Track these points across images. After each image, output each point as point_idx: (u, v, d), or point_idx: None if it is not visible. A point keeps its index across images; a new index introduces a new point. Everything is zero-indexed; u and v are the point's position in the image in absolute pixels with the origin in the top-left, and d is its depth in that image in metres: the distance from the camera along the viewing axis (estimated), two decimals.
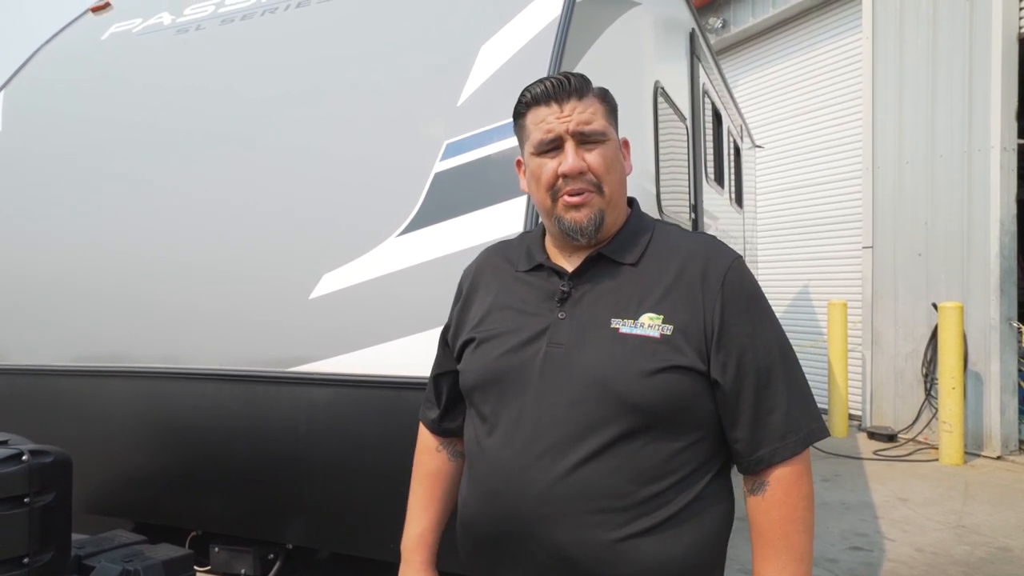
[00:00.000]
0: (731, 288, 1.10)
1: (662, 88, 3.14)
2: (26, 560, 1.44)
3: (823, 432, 1.12)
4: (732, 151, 5.60)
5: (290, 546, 1.97)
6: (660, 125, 3.10)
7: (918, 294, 6.11)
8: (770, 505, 1.08)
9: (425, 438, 1.33)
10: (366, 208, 1.94)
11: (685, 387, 1.06)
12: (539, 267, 1.18)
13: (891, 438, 6.09)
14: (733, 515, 1.15)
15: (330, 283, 1.88)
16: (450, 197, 1.84)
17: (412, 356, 1.73)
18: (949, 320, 5.41)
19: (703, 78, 4.31)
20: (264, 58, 2.46)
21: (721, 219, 4.76)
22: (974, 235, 5.67)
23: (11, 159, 2.70)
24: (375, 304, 1.82)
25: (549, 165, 1.13)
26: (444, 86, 2.05)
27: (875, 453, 5.77)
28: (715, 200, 4.56)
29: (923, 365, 6.05)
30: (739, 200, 5.83)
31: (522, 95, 1.17)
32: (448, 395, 1.30)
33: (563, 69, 2.01)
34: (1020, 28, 5.52)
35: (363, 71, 2.22)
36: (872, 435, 6.26)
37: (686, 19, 3.88)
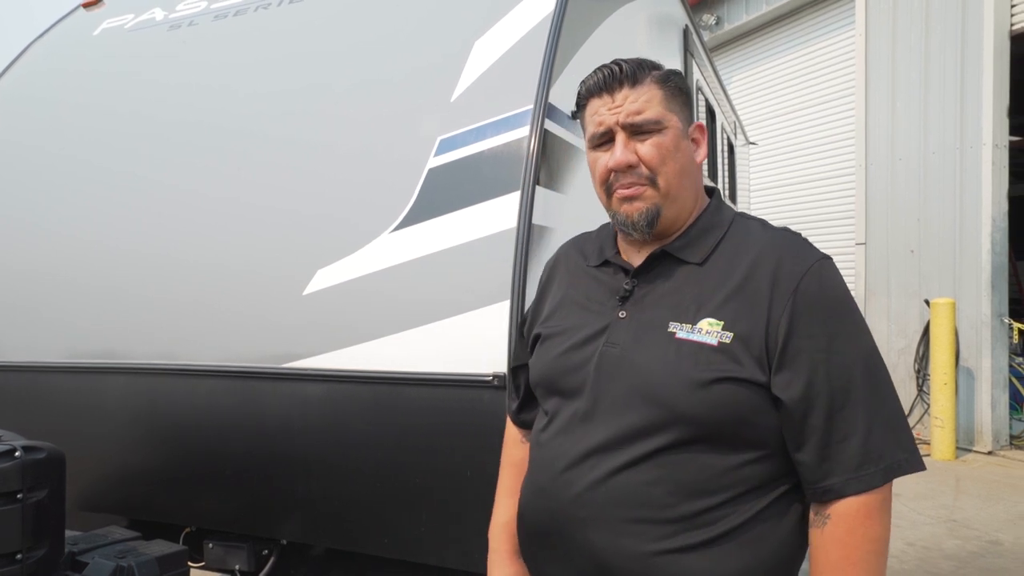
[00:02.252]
0: (806, 295, 0.99)
1: None
2: (19, 556, 1.44)
3: (913, 466, 0.99)
4: (726, 148, 5.61)
5: (284, 542, 1.97)
6: None
7: (911, 291, 6.15)
8: (830, 542, 0.97)
9: (510, 429, 1.32)
10: (360, 204, 1.94)
11: (741, 401, 0.98)
12: (607, 263, 1.14)
13: None
14: (805, 541, 1.04)
15: (324, 279, 1.88)
16: (443, 193, 1.85)
17: (406, 352, 1.74)
18: (941, 316, 5.44)
19: (697, 75, 4.31)
20: (256, 54, 2.45)
21: None
22: (966, 232, 5.70)
23: (3, 153, 2.68)
24: (369, 300, 1.82)
25: (602, 159, 1.08)
26: (437, 82, 2.05)
27: None
28: None
29: (915, 361, 6.09)
30: (732, 197, 5.85)
31: (579, 88, 1.12)
32: (525, 387, 1.27)
33: (556, 65, 2.01)
34: (1012, 25, 5.55)
35: (356, 67, 2.22)
36: None
37: (680, 16, 3.89)
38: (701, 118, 4.46)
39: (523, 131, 1.86)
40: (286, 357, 1.85)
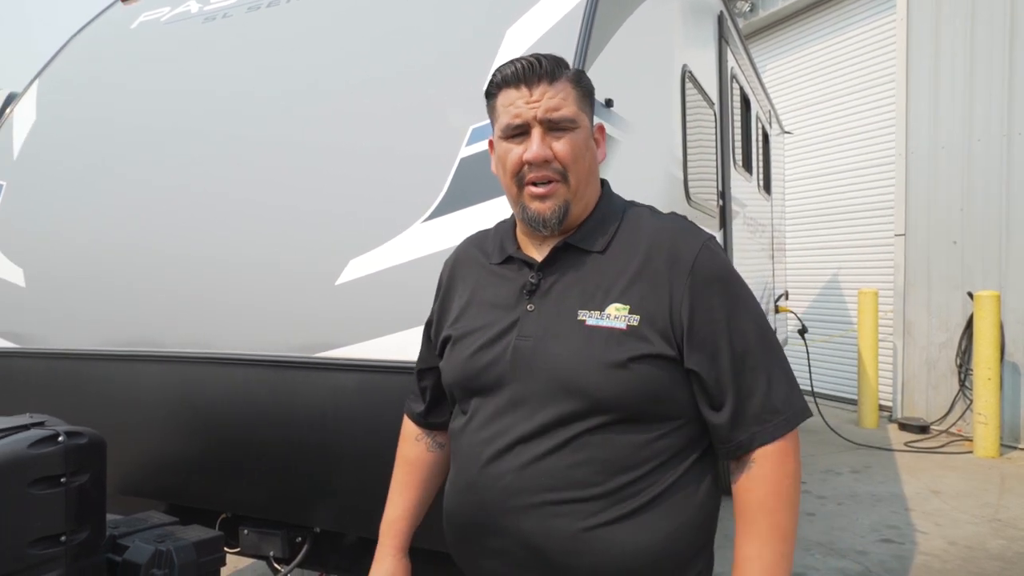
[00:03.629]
0: (701, 273, 1.08)
1: (690, 72, 3.09)
2: (63, 538, 1.47)
3: (805, 413, 1.11)
4: (760, 137, 5.50)
5: (318, 530, 1.99)
6: (688, 110, 3.04)
7: (953, 283, 5.97)
8: (754, 482, 1.07)
9: (407, 427, 1.37)
10: (392, 194, 1.94)
11: (655, 377, 1.05)
12: (510, 259, 1.17)
13: (923, 429, 5.97)
14: (718, 501, 1.14)
15: (356, 269, 1.88)
16: (476, 182, 1.83)
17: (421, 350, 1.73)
18: (985, 309, 5.27)
19: (731, 62, 4.23)
20: (291, 44, 2.46)
21: (749, 206, 4.69)
22: (1013, 222, 5.51)
23: (45, 147, 2.74)
24: (401, 290, 1.82)
25: (515, 151, 1.10)
26: (470, 71, 2.03)
27: (906, 444, 5.66)
28: (743, 187, 4.49)
29: (957, 355, 5.91)
30: (767, 187, 5.73)
31: (493, 75, 1.15)
32: (433, 391, 1.32)
33: (590, 53, 1.98)
34: None
35: (390, 56, 2.22)
36: (903, 426, 6.14)
37: (714, 2, 3.81)
38: (736, 107, 4.37)
39: None
40: (318, 347, 1.86)
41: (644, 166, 2.51)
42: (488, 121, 1.95)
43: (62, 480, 1.49)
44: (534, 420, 1.06)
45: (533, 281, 1.12)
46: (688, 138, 3.03)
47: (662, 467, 1.06)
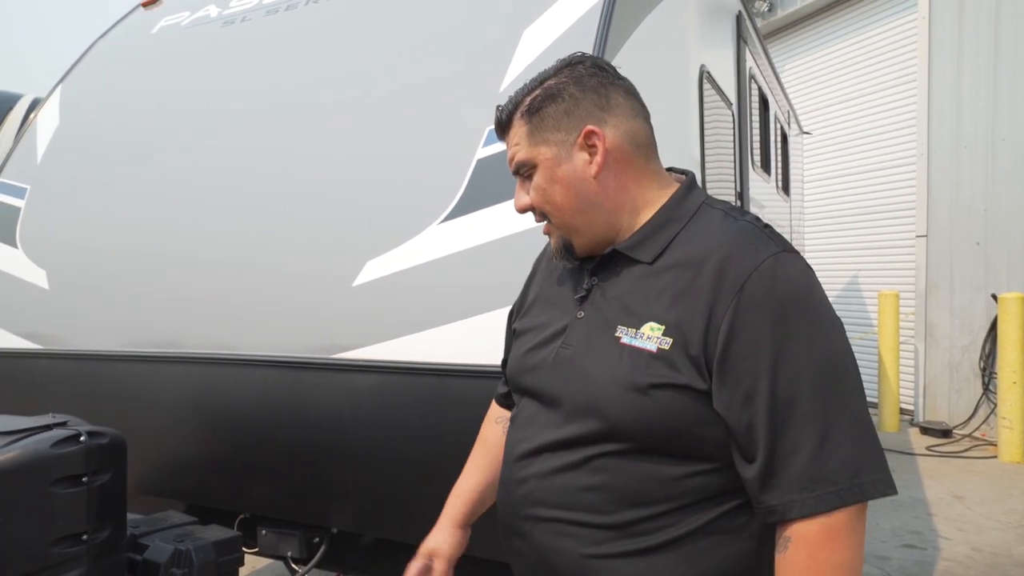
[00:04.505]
0: (752, 295, 0.90)
1: (708, 73, 3.06)
2: (85, 537, 1.49)
3: (879, 489, 0.89)
4: (779, 138, 5.45)
5: (335, 530, 1.99)
6: (705, 111, 3.02)
7: (976, 284, 5.87)
8: (790, 567, 0.89)
9: (491, 408, 1.34)
10: (408, 195, 1.94)
11: (679, 409, 0.92)
12: (580, 260, 1.10)
13: (946, 433, 5.88)
14: (758, 563, 0.96)
15: (373, 270, 1.89)
16: (493, 184, 1.83)
17: (456, 343, 1.73)
18: (1010, 312, 5.17)
19: (750, 62, 4.19)
20: (308, 47, 2.48)
21: (768, 207, 4.64)
22: None
23: (68, 150, 2.78)
24: (418, 291, 1.82)
25: None
26: (486, 72, 2.03)
27: (928, 449, 5.57)
28: (761, 188, 4.44)
29: (981, 359, 5.82)
30: (786, 188, 5.68)
31: None
32: None
33: (607, 53, 1.97)
34: None
35: (405, 57, 2.22)
36: (925, 430, 6.05)
37: (732, 2, 3.78)
38: (754, 107, 4.34)
39: None
40: (335, 348, 1.87)
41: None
42: None
43: (84, 479, 1.50)
44: (559, 432, 1.00)
45: (586, 287, 1.05)
46: (706, 139, 3.01)
47: (686, 509, 0.94)
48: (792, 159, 6.18)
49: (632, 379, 0.93)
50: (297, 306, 1.95)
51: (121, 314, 2.28)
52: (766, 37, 7.80)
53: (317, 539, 1.99)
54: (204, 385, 2.07)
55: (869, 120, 7.16)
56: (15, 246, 2.61)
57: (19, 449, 1.46)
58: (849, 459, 0.88)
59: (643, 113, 1.08)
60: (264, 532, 2.03)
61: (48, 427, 1.55)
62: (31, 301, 2.49)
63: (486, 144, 1.92)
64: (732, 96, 3.65)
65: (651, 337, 0.94)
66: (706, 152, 3.00)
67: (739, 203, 3.68)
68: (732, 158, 3.60)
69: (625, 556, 0.95)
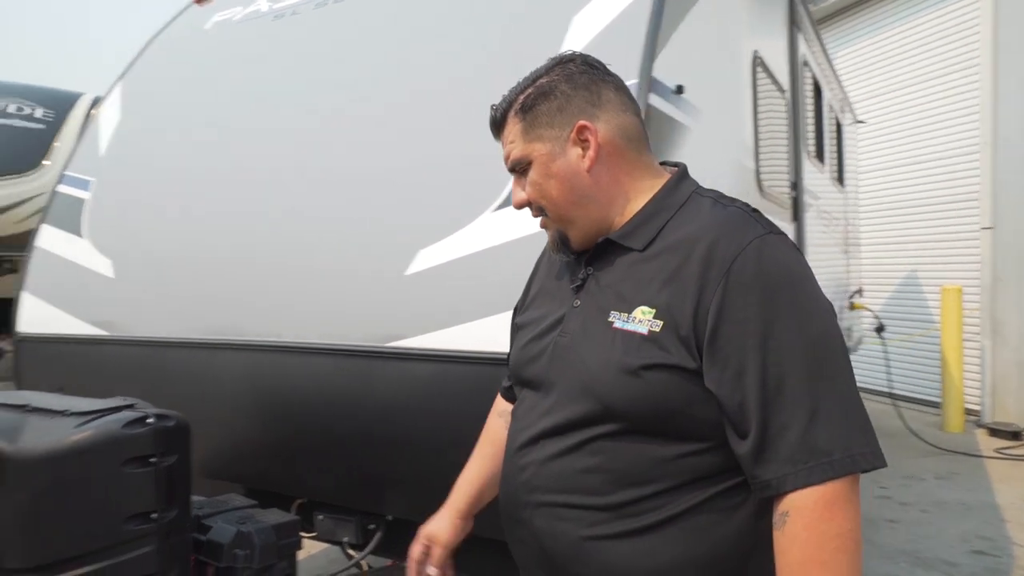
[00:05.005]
0: (739, 277, 0.92)
1: (761, 59, 2.99)
2: (154, 515, 1.54)
3: (869, 461, 0.90)
4: (833, 126, 5.28)
5: (390, 518, 2.01)
6: (759, 98, 2.94)
7: None
8: (787, 541, 0.90)
9: (496, 401, 1.39)
10: (461, 184, 1.95)
11: (671, 389, 0.94)
12: (576, 252, 1.14)
13: (1016, 435, 5.62)
14: (756, 541, 0.97)
15: (426, 259, 1.90)
16: None
17: (508, 332, 1.72)
18: None
19: (803, 48, 4.07)
20: (358, 39, 2.50)
21: (823, 198, 4.51)
22: None
23: (129, 145, 2.88)
24: (471, 280, 1.82)
25: None
26: (536, 59, 2.02)
27: (997, 451, 5.34)
28: (816, 178, 4.32)
29: None
30: (840, 179, 5.51)
31: None
32: None
33: (660, 39, 1.94)
34: None
35: (456, 45, 2.22)
36: (993, 432, 5.80)
37: None
38: (808, 94, 4.21)
39: None
40: (390, 337, 1.89)
41: (715, 155, 2.44)
42: None
43: (152, 460, 1.55)
44: (556, 417, 1.03)
45: (582, 277, 1.08)
46: (759, 126, 2.93)
47: (683, 488, 0.96)
48: (846, 149, 5.98)
49: (624, 361, 0.96)
50: (352, 295, 1.98)
51: (183, 302, 2.35)
52: (819, 23, 7.56)
53: (372, 526, 2.02)
54: (262, 372, 2.11)
55: (927, 108, 6.88)
56: (81, 236, 2.72)
57: (93, 429, 1.51)
58: (839, 433, 0.90)
59: (633, 108, 1.11)
60: (321, 517, 2.06)
61: (118, 409, 1.60)
62: (97, 289, 2.58)
63: None
64: (785, 83, 3.55)
65: (642, 320, 0.97)
66: (760, 140, 2.93)
67: (793, 193, 3.58)
68: (786, 147, 3.50)
69: (623, 536, 0.97)
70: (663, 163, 1.16)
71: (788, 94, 3.57)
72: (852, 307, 5.57)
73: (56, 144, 8.59)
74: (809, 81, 4.28)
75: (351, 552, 2.06)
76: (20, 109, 8.63)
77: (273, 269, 2.17)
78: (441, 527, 1.29)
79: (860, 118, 6.95)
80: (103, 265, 2.61)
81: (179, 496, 1.61)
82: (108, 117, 3.03)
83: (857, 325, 5.98)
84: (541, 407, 1.06)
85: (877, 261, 7.34)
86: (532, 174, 1.07)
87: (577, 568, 1.00)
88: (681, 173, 1.11)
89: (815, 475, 0.89)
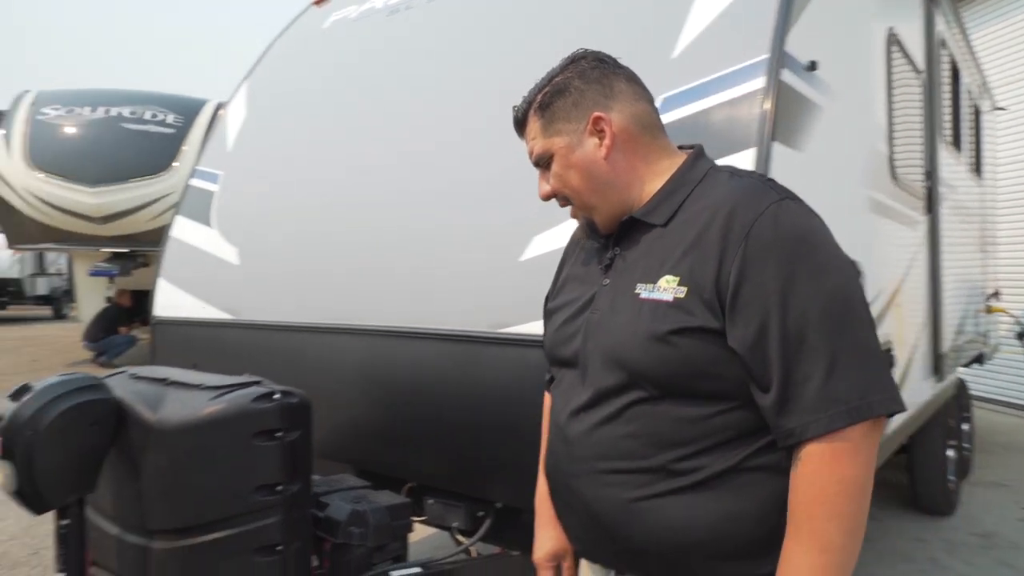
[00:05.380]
0: (758, 240, 0.98)
1: (896, 37, 2.76)
2: (279, 488, 1.59)
3: (886, 406, 0.96)
4: (971, 113, 4.83)
5: (499, 505, 2.00)
6: (893, 79, 2.72)
7: None
8: (798, 483, 0.97)
9: (546, 400, 1.38)
10: None
11: (698, 352, 1.00)
12: (602, 236, 1.20)
13: None
14: None
15: (540, 245, 1.87)
16: None
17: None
18: None
19: (940, 27, 3.74)
20: (474, 31, 2.51)
21: (959, 189, 4.13)
22: None
23: (254, 140, 3.03)
24: None
25: None
26: (658, 38, 1.94)
27: None
28: (952, 168, 3.96)
29: None
30: (977, 169, 5.03)
31: None
32: None
33: (791, 13, 1.81)
34: None
35: (572, 33, 2.18)
36: None
37: None
38: (945, 77, 3.86)
39: (758, 83, 1.70)
40: (503, 323, 1.87)
41: (847, 137, 2.27)
42: (681, 89, 1.87)
43: (278, 435, 1.60)
44: (592, 389, 1.09)
45: (610, 257, 1.14)
46: (893, 109, 2.71)
47: (720, 447, 1.01)
48: (985, 137, 5.46)
49: (652, 328, 1.02)
50: (467, 280, 1.98)
51: (302, 288, 2.44)
52: (958, 1, 6.96)
53: (481, 513, 2.01)
54: (376, 356, 2.16)
55: None
56: (211, 226, 2.88)
57: (226, 402, 1.58)
58: (857, 383, 0.95)
59: (646, 96, 1.19)
60: (431, 502, 2.08)
61: (248, 384, 1.67)
62: (224, 275, 2.73)
63: (661, 112, 1.83)
64: (921, 64, 3.27)
65: (667, 289, 1.02)
66: (894, 124, 2.71)
67: (928, 183, 3.29)
68: (921, 132, 3.22)
69: (668, 495, 1.02)
70: (680, 147, 1.21)
71: (924, 76, 3.29)
72: (988, 310, 5.08)
73: (184, 148, 9.30)
74: (947, 63, 3.93)
75: (460, 538, 2.06)
76: (155, 116, 9.40)
77: (390, 256, 2.21)
78: (555, 542, 1.30)
79: (1000, 105, 6.33)
80: (229, 253, 2.76)
81: (301, 471, 1.65)
82: (235, 115, 3.21)
83: (994, 330, 5.44)
84: (579, 383, 1.12)
85: (1016, 260, 6.66)
86: (554, 166, 1.15)
87: (627, 530, 1.05)
88: (697, 152, 1.17)
89: (836, 421, 0.94)
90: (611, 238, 1.16)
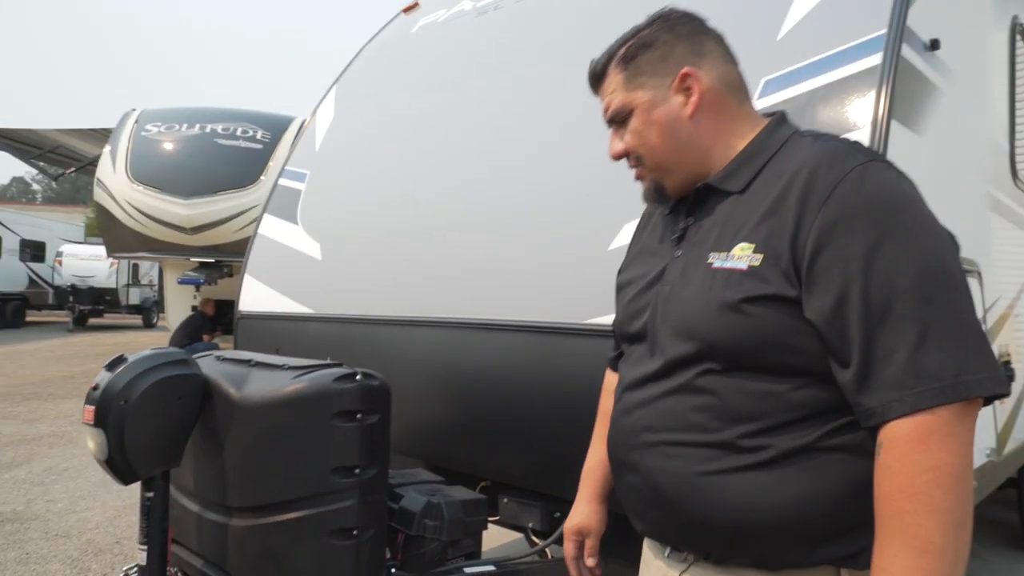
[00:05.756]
0: (841, 203, 0.89)
1: (1021, 25, 2.55)
2: (357, 471, 1.55)
3: (986, 386, 0.84)
4: None
5: None
6: (1017, 70, 2.51)
7: None
8: (882, 473, 0.86)
9: (607, 377, 1.38)
10: None
11: (772, 322, 0.93)
12: (674, 207, 1.15)
13: None
14: None
15: (630, 233, 1.78)
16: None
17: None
18: None
19: None
20: (563, 27, 2.48)
21: None
22: None
23: (340, 141, 3.09)
24: None
25: None
26: (762, 20, 1.85)
27: None
28: None
29: None
30: None
31: None
32: None
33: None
34: None
35: None
36: None
37: None
38: None
39: (874, 59, 1.57)
40: (590, 313, 1.79)
41: (965, 126, 2.09)
42: (786, 70, 1.77)
43: (358, 416, 1.57)
44: (661, 360, 1.04)
45: (682, 227, 1.10)
46: (1017, 102, 2.50)
47: (792, 425, 0.93)
48: None
49: (724, 297, 0.96)
50: (553, 270, 1.92)
51: (384, 282, 2.44)
52: None
53: (558, 513, 1.92)
54: (457, 349, 2.11)
55: None
56: (296, 223, 2.94)
57: (308, 381, 1.57)
58: (952, 358, 0.84)
59: (733, 60, 1.13)
60: (506, 500, 2.00)
61: (329, 366, 1.65)
62: (307, 271, 2.77)
63: (761, 96, 1.73)
64: None
65: (741, 257, 0.96)
66: (1017, 118, 2.49)
67: None
68: None
69: (737, 472, 0.95)
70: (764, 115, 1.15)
71: None
72: None
73: (271, 163, 9.73)
74: None
75: (535, 540, 1.97)
76: (245, 132, 9.88)
77: (474, 248, 2.18)
78: (587, 517, 1.31)
79: None
80: (312, 248, 2.80)
81: (379, 456, 1.62)
82: (323, 117, 3.28)
83: None
84: (647, 355, 1.08)
85: None
86: (633, 122, 1.09)
87: (691, 505, 0.99)
88: (780, 118, 1.11)
89: (924, 400, 0.83)
90: (684, 208, 1.11)
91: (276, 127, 10.05)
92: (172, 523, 1.70)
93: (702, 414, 0.98)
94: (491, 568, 1.80)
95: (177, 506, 1.75)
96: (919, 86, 1.67)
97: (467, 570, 1.77)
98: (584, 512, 1.31)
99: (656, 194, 1.13)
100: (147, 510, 1.58)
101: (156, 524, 1.58)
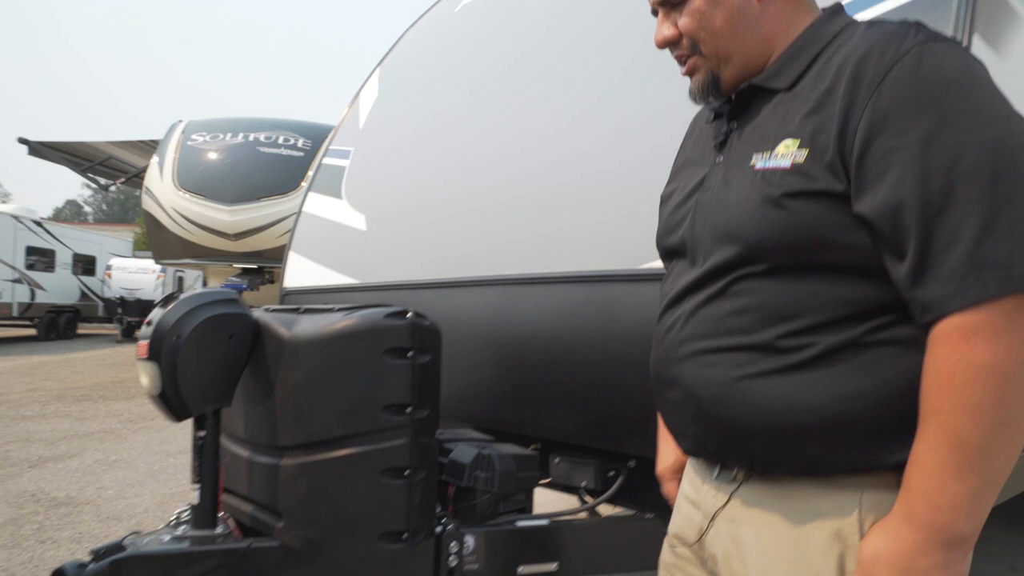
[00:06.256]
0: (895, 86, 0.81)
1: None
2: (408, 410, 1.52)
3: None
4: None
5: (632, 464, 1.83)
6: None
7: None
8: (925, 379, 0.81)
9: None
10: None
11: (816, 217, 0.86)
12: (717, 114, 1.09)
13: None
14: None
15: None
16: None
17: None
18: None
19: None
20: (606, 8, 2.44)
21: None
22: None
23: (384, 118, 3.10)
24: None
25: None
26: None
27: None
28: None
29: None
30: None
31: None
32: None
33: None
34: None
35: None
36: None
37: None
38: None
39: None
40: (644, 257, 1.73)
41: None
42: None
43: (409, 354, 1.54)
44: (699, 269, 0.99)
45: (725, 132, 1.03)
46: None
47: (835, 324, 0.87)
48: None
49: (765, 193, 0.90)
50: (606, 215, 1.86)
51: (429, 245, 2.42)
52: None
53: (612, 472, 1.85)
54: (504, 307, 2.07)
55: None
56: (340, 198, 2.95)
57: (358, 317, 1.54)
58: (1022, 248, 0.76)
59: None
60: (557, 460, 1.94)
61: (381, 306, 1.62)
62: (352, 241, 2.77)
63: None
64: None
65: (785, 154, 0.90)
66: None
67: None
68: None
69: (775, 373, 0.89)
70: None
71: None
72: None
73: (311, 172, 9.93)
74: None
75: (588, 498, 1.90)
76: (287, 140, 10.09)
77: (519, 202, 2.14)
78: (677, 454, 1.26)
79: None
80: (357, 220, 2.80)
81: (430, 396, 1.58)
82: (367, 96, 3.30)
83: None
84: (688, 268, 1.03)
85: None
86: (696, 2, 1.01)
87: (731, 411, 0.93)
88: (835, 8, 1.02)
89: (990, 289, 0.76)
90: (727, 112, 1.04)
91: (317, 135, 10.24)
92: (223, 470, 1.68)
93: (740, 317, 0.93)
94: (545, 522, 1.74)
95: (227, 454, 1.73)
96: (1002, 10, 1.58)
97: (519, 523, 1.72)
98: (674, 448, 1.26)
99: (712, 87, 1.04)
100: (199, 449, 1.56)
101: (208, 462, 1.56)
